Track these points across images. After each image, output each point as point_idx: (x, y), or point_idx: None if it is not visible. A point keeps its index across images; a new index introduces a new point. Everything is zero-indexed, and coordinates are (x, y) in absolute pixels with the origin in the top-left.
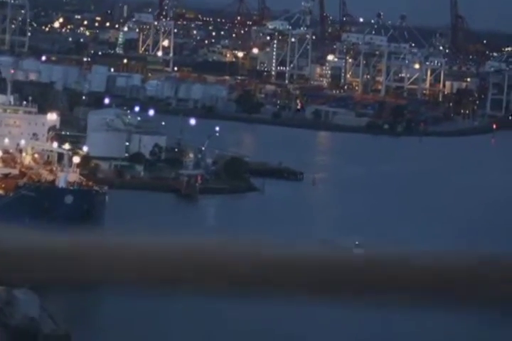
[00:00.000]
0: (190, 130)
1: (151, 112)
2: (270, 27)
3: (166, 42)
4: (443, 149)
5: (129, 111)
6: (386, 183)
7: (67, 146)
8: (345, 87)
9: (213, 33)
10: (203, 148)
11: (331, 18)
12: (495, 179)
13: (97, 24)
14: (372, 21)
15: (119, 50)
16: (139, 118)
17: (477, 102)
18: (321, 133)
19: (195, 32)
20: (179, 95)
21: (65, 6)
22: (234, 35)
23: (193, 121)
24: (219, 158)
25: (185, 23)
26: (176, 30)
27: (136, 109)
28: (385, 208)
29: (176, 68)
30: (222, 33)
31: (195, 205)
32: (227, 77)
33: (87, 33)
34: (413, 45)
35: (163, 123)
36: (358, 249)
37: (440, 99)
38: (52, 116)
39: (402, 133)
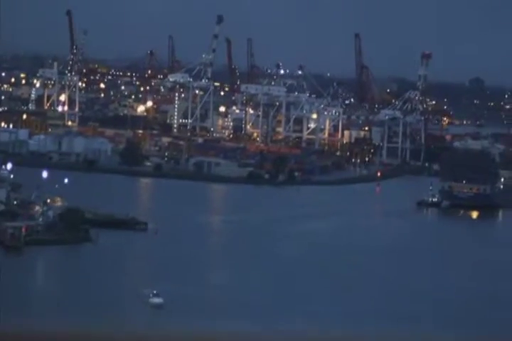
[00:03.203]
0: (43, 182)
1: (9, 166)
2: (171, 79)
3: (73, 97)
4: (315, 197)
5: None
6: (228, 232)
7: None
8: (245, 138)
9: (124, 88)
10: (48, 200)
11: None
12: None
13: (23, 81)
14: (270, 71)
15: (31, 106)
16: None
17: (372, 151)
18: (199, 184)
19: (104, 86)
20: (62, 149)
21: (2, 63)
22: (144, 88)
23: (45, 174)
24: (65, 210)
25: (97, 77)
26: (85, 86)
27: None
28: (212, 256)
29: (75, 123)
30: (133, 87)
31: (17, 257)
32: (125, 131)
33: (10, 90)
34: (314, 95)
35: (11, 176)
36: (156, 298)
37: (338, 148)
38: None
39: (284, 182)
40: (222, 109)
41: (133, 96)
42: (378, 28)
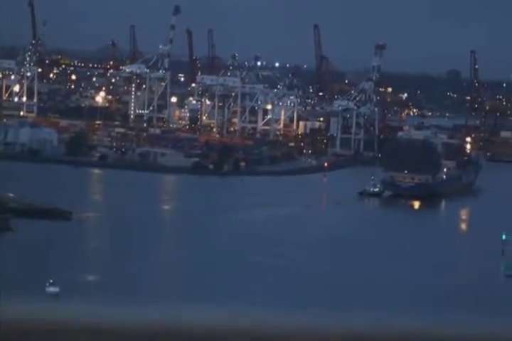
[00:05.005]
0: None
1: None
2: (127, 70)
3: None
4: (257, 188)
5: None
6: (158, 221)
7: None
8: (201, 129)
9: (96, 79)
10: None
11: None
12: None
13: None
14: (247, 64)
15: None
16: None
17: (325, 141)
18: (142, 175)
19: (70, 77)
20: (8, 139)
21: None
22: (106, 79)
23: None
24: None
25: (61, 68)
26: (56, 77)
27: None
28: (134, 245)
29: (33, 114)
30: (94, 78)
31: None
32: (79, 122)
33: None
34: (279, 86)
35: None
36: (52, 287)
37: (292, 139)
38: None
39: (228, 173)
40: (178, 99)
41: (104, 88)
42: (357, 20)
